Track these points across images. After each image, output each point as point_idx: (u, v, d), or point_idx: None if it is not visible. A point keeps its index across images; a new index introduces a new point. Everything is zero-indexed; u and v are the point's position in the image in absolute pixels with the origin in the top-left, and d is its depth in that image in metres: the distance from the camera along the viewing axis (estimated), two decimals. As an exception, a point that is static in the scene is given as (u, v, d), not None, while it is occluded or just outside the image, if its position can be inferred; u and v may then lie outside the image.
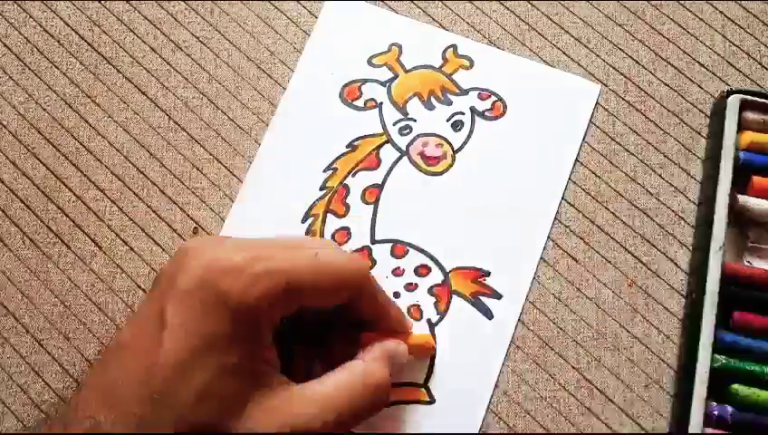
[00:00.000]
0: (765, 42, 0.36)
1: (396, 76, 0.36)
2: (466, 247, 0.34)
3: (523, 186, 0.34)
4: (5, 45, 0.37)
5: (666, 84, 0.36)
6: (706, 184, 0.34)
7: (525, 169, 0.35)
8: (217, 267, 0.25)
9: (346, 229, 0.34)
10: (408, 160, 0.35)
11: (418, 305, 0.33)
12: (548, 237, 0.34)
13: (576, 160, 0.35)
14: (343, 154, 0.35)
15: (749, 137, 0.33)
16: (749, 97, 0.34)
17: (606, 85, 0.36)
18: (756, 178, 0.33)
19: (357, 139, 0.35)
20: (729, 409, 0.30)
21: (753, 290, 0.32)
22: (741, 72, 0.36)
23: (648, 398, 0.32)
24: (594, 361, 0.32)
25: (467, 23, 0.37)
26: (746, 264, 0.33)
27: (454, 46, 0.36)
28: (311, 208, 0.34)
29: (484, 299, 0.33)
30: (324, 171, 0.35)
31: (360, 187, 0.35)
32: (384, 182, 0.35)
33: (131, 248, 0.34)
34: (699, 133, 0.35)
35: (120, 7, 0.37)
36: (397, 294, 0.33)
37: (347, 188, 0.35)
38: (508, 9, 0.37)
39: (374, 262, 0.34)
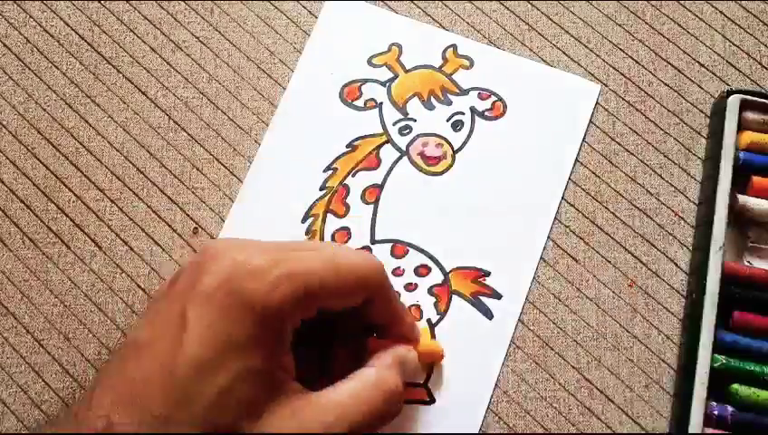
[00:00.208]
0: (765, 42, 0.36)
1: (396, 76, 0.36)
2: (466, 247, 0.34)
3: (523, 186, 0.34)
4: (5, 45, 0.37)
5: (666, 84, 0.36)
6: (706, 184, 0.34)
7: (525, 169, 0.35)
8: (241, 270, 0.25)
9: (346, 229, 0.34)
10: (408, 160, 0.35)
11: (418, 305, 0.33)
12: (548, 237, 0.34)
13: (576, 160, 0.35)
14: (343, 154, 0.35)
15: (749, 137, 0.33)
16: (749, 97, 0.34)
17: (606, 85, 0.36)
18: (756, 178, 0.33)
19: (357, 139, 0.35)
20: (729, 409, 0.30)
21: (753, 290, 0.32)
22: (741, 72, 0.36)
23: (648, 398, 0.32)
24: (594, 361, 0.32)
25: (467, 23, 0.37)
26: (746, 264, 0.33)
27: (454, 46, 0.36)
28: (311, 208, 0.35)
29: (484, 299, 0.33)
30: (324, 171, 0.35)
31: (360, 187, 0.35)
32: (384, 182, 0.35)
33: (131, 248, 0.34)
34: (699, 133, 0.35)
35: (120, 7, 0.37)
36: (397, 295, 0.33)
37: (347, 188, 0.35)
38: (508, 9, 0.37)
39: (374, 262, 0.34)
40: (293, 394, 0.25)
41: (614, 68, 0.36)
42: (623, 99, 0.36)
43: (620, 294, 0.33)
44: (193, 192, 0.35)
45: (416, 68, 0.36)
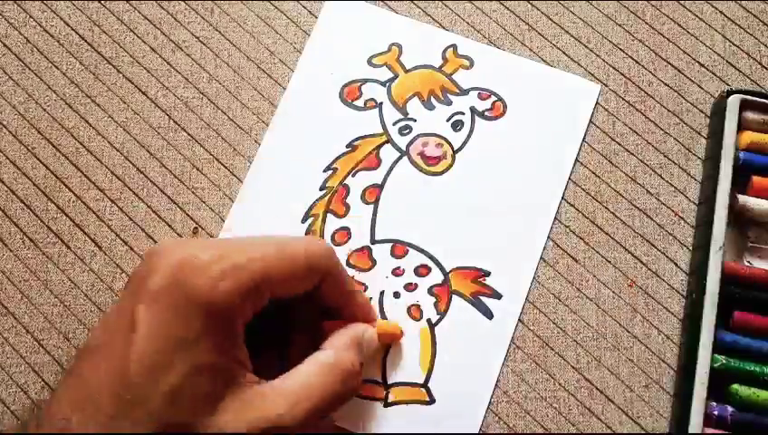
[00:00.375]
0: (765, 42, 0.36)
1: (396, 76, 0.36)
2: (466, 247, 0.34)
3: (523, 186, 0.34)
4: (5, 45, 0.37)
5: (666, 84, 0.36)
6: (706, 184, 0.34)
7: (525, 169, 0.35)
8: (186, 266, 0.25)
9: (346, 229, 0.34)
10: (408, 160, 0.35)
11: (418, 305, 0.33)
12: (548, 237, 0.34)
13: (576, 160, 0.35)
14: (343, 154, 0.35)
15: (749, 137, 0.33)
16: (749, 97, 0.34)
17: (606, 85, 0.36)
18: (756, 178, 0.33)
19: (357, 139, 0.35)
20: (729, 409, 0.30)
21: (753, 290, 0.32)
22: (741, 72, 0.36)
23: (648, 398, 0.32)
24: (594, 361, 0.32)
25: (467, 23, 0.37)
26: (746, 264, 0.33)
27: (454, 46, 0.36)
28: (311, 208, 0.34)
29: (484, 299, 0.33)
30: (324, 171, 0.35)
31: (360, 187, 0.35)
32: (384, 182, 0.35)
33: (131, 248, 0.34)
34: (699, 133, 0.35)
35: (120, 7, 0.37)
36: (397, 294, 0.33)
37: (347, 188, 0.35)
38: (508, 9, 0.37)
39: (374, 262, 0.34)
40: (248, 387, 0.25)
41: (614, 68, 0.36)
42: (623, 99, 0.36)
43: (620, 294, 0.33)
44: (193, 192, 0.35)
45: (416, 68, 0.36)
